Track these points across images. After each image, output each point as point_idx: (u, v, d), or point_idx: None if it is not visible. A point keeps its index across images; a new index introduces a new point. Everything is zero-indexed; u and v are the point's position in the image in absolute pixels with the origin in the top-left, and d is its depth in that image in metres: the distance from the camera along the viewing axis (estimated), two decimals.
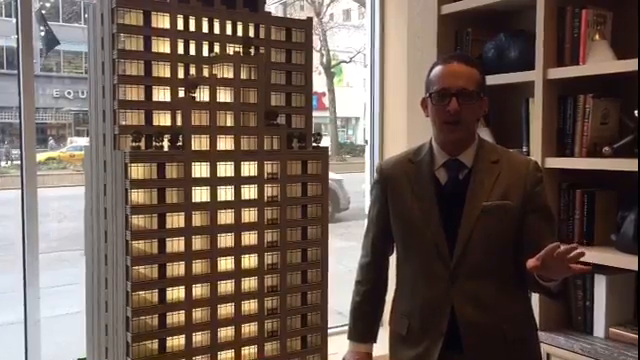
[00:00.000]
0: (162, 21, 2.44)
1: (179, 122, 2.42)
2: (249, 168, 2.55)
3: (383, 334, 1.96)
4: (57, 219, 9.39)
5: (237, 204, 2.53)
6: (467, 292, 1.73)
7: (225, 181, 2.49)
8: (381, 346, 2.00)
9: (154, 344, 2.39)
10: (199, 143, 2.44)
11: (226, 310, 2.53)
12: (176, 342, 2.43)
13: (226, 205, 2.51)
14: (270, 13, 2.71)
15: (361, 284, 1.96)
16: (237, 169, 2.51)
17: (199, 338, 2.48)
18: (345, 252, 6.46)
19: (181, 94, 2.45)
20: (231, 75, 2.50)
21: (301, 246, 2.70)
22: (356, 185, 9.15)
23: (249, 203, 2.55)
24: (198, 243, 2.46)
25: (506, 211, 1.73)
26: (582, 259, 2.36)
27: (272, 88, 2.65)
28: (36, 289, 3.08)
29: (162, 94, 2.45)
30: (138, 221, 2.35)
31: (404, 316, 1.85)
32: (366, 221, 2.02)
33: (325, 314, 2.78)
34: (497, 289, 1.74)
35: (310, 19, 2.83)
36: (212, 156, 2.46)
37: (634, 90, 2.30)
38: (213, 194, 2.47)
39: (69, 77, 18.98)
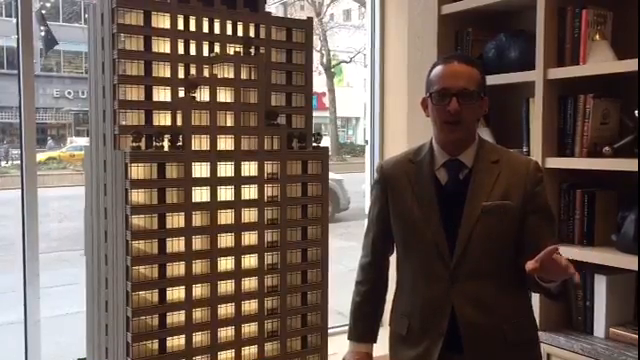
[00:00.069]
0: (162, 21, 2.44)
1: (179, 122, 2.42)
2: (249, 168, 2.55)
3: (383, 334, 1.96)
4: (57, 219, 9.39)
5: (237, 204, 2.53)
6: (467, 292, 1.73)
7: (225, 181, 2.49)
8: (381, 346, 2.00)
9: (154, 344, 2.39)
10: (199, 143, 2.44)
11: (226, 310, 2.53)
12: (176, 342, 2.43)
13: (226, 205, 2.51)
14: (270, 13, 2.71)
15: (361, 284, 1.96)
16: (237, 169, 2.51)
17: (199, 338, 2.48)
18: (345, 252, 6.47)
19: (181, 94, 2.46)
20: (231, 75, 2.50)
21: (301, 246, 2.70)
22: (356, 185, 9.15)
23: (249, 203, 2.55)
24: (198, 243, 2.46)
25: (506, 211, 1.72)
26: (582, 259, 2.38)
27: (272, 88, 2.66)
28: (36, 289, 3.08)
29: (162, 94, 2.45)
30: (138, 221, 2.35)
31: (404, 316, 1.84)
32: (366, 221, 2.02)
33: (325, 314, 2.78)
34: (497, 289, 1.74)
35: (310, 19, 2.83)
36: (212, 156, 2.46)
37: (634, 90, 2.29)
38: (213, 194, 2.47)
39: (69, 77, 18.98)
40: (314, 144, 2.73)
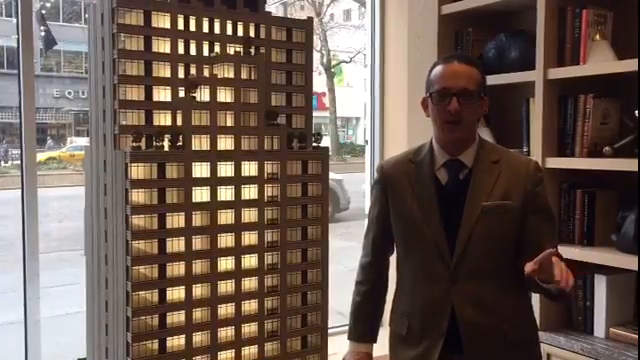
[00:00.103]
0: (162, 21, 2.44)
1: (179, 122, 2.42)
2: (249, 168, 2.55)
3: (383, 334, 1.96)
4: (57, 219, 9.39)
5: (237, 204, 2.53)
6: (467, 292, 1.73)
7: (225, 181, 2.49)
8: (381, 346, 2.00)
9: (154, 344, 2.39)
10: (199, 143, 2.44)
11: (226, 310, 2.53)
12: (176, 342, 2.43)
13: (226, 205, 2.51)
14: (270, 13, 2.71)
15: (361, 284, 1.96)
16: (237, 169, 2.51)
17: (199, 338, 2.48)
18: (345, 252, 6.47)
19: (181, 94, 2.46)
20: (231, 75, 2.50)
21: (301, 246, 2.70)
22: (356, 185, 9.16)
23: (249, 203, 2.55)
24: (198, 243, 2.46)
25: (506, 211, 1.72)
26: (582, 259, 2.38)
27: (272, 88, 2.65)
28: (36, 289, 3.08)
29: (162, 94, 2.45)
30: (138, 221, 2.35)
31: (404, 316, 1.84)
32: (366, 221, 2.02)
33: (325, 314, 2.78)
34: (497, 289, 1.74)
35: (310, 19, 2.83)
36: (212, 156, 2.46)
37: (634, 90, 2.29)
38: (213, 194, 2.47)
39: (69, 77, 19.00)
40: (314, 144, 2.73)
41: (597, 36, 2.45)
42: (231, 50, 2.56)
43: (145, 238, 2.36)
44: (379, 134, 4.14)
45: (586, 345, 2.36)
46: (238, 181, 2.52)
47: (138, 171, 2.32)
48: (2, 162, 14.64)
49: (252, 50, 2.57)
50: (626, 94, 2.47)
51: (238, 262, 2.54)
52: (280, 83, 2.69)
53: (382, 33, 4.10)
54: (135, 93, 2.40)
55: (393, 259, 1.95)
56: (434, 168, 1.79)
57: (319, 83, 17.50)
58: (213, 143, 2.46)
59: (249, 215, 2.56)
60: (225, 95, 2.49)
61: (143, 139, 2.35)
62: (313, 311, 2.75)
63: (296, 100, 2.73)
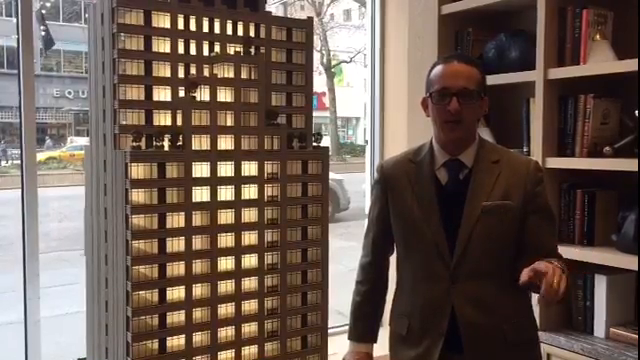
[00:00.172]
0: (162, 21, 2.44)
1: (179, 122, 2.42)
2: (249, 168, 2.55)
3: (383, 334, 1.96)
4: (57, 219, 9.39)
5: (237, 204, 2.53)
6: (467, 292, 1.73)
7: (225, 181, 2.49)
8: (381, 346, 2.00)
9: (154, 344, 2.39)
10: (199, 143, 2.44)
11: (226, 310, 2.53)
12: (176, 342, 2.43)
13: (226, 205, 2.51)
14: (271, 13, 2.71)
15: (361, 284, 1.96)
16: (237, 169, 2.51)
17: (199, 338, 2.48)
18: (345, 252, 6.47)
19: (181, 94, 2.45)
20: (231, 75, 2.50)
21: (301, 246, 2.70)
22: (356, 185, 9.15)
23: (249, 203, 2.55)
24: (198, 243, 2.46)
25: (506, 211, 1.72)
26: (582, 259, 2.38)
27: (272, 88, 2.65)
28: (36, 289, 3.08)
29: (162, 94, 2.45)
30: (138, 221, 2.35)
31: (404, 316, 1.84)
32: (366, 221, 2.02)
33: (325, 314, 2.78)
34: (497, 289, 1.74)
35: (310, 19, 2.83)
36: (212, 156, 2.46)
37: (634, 90, 2.29)
38: (213, 194, 2.47)
39: (69, 77, 18.99)
40: (314, 144, 2.73)
41: (597, 36, 2.45)
42: (231, 50, 2.56)
43: (145, 238, 2.36)
44: (379, 134, 4.14)
45: (586, 345, 2.36)
46: (238, 181, 2.52)
47: (138, 171, 2.32)
48: (2, 162, 14.65)
49: (252, 50, 2.57)
50: (626, 94, 2.47)
51: (238, 262, 2.54)
52: (280, 83, 2.69)
53: (382, 33, 4.10)
54: (135, 93, 2.40)
55: (393, 259, 1.95)
56: (434, 168, 1.79)
57: (319, 83, 17.50)
58: (213, 143, 2.46)
59: (249, 215, 2.56)
60: (225, 95, 2.49)
61: (143, 139, 2.35)
62: (313, 311, 2.75)
63: (296, 100, 2.73)
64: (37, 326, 3.11)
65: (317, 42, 17.01)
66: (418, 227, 1.78)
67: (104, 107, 2.50)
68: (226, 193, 2.51)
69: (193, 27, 2.49)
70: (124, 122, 2.38)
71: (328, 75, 18.51)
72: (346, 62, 19.59)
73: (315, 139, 2.73)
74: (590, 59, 2.44)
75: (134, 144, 2.32)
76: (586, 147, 2.45)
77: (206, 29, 2.52)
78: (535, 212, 1.75)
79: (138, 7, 2.38)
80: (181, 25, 2.46)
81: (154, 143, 2.36)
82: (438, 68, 1.75)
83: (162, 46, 2.44)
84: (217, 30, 2.55)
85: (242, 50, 2.56)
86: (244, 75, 2.52)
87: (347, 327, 1.98)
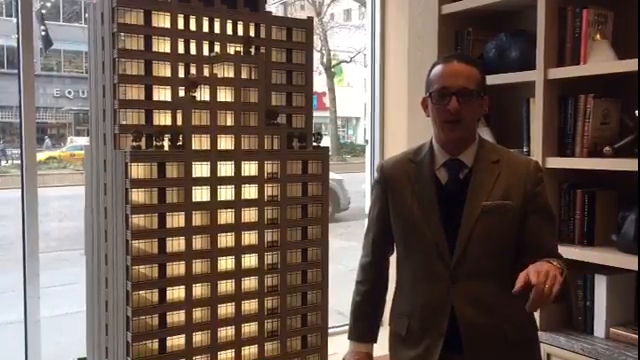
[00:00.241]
0: (163, 20, 2.44)
1: (179, 122, 2.42)
2: (249, 168, 2.54)
3: (383, 334, 1.96)
4: (57, 218, 9.40)
5: (237, 204, 2.52)
6: (467, 292, 1.73)
7: (225, 181, 2.49)
8: (381, 346, 2.00)
9: (154, 344, 2.39)
10: (199, 143, 2.44)
11: (226, 310, 2.53)
12: (176, 342, 2.43)
13: (226, 205, 2.51)
14: (271, 13, 2.71)
15: (361, 284, 1.96)
16: (237, 169, 2.51)
17: (199, 338, 2.48)
18: (345, 252, 6.47)
19: (181, 94, 2.45)
20: (231, 75, 2.50)
21: (301, 246, 2.70)
22: (356, 185, 9.16)
23: (249, 203, 2.55)
24: (198, 243, 2.46)
25: (506, 211, 1.72)
26: (582, 259, 2.37)
27: (272, 88, 2.65)
28: (36, 289, 3.08)
29: (162, 93, 2.45)
30: (138, 221, 2.35)
31: (404, 316, 1.84)
32: (366, 221, 2.02)
33: (325, 314, 2.78)
34: (497, 289, 1.74)
35: (311, 19, 2.83)
36: (212, 156, 2.46)
37: (635, 90, 2.29)
38: (213, 194, 2.47)
39: (69, 76, 19.01)
40: (314, 144, 2.73)
41: (597, 36, 2.45)
42: (231, 50, 2.56)
43: (145, 238, 2.35)
44: (379, 134, 4.14)
45: (586, 345, 2.36)
46: (238, 181, 2.52)
47: (138, 171, 2.32)
48: (2, 162, 14.65)
49: (252, 50, 2.57)
50: (626, 94, 2.47)
51: (238, 262, 2.54)
52: (280, 83, 2.68)
53: (382, 33, 4.10)
54: (135, 93, 2.40)
55: (393, 259, 1.95)
56: (434, 168, 1.79)
57: (319, 83, 17.51)
58: (213, 143, 2.46)
59: (249, 215, 2.56)
60: (225, 95, 2.49)
61: (143, 139, 2.35)
62: (313, 311, 2.75)
63: (296, 100, 2.73)
64: (37, 326, 3.11)
65: (317, 42, 17.01)
66: (418, 227, 1.78)
67: (104, 107, 2.50)
68: (226, 193, 2.50)
69: (193, 27, 2.49)
70: (124, 122, 2.38)
71: (328, 75, 18.51)
72: (346, 62, 19.59)
73: (315, 139, 2.73)
74: (590, 59, 2.44)
75: (134, 144, 2.32)
76: (586, 147, 2.45)
77: (206, 29, 2.52)
78: (535, 212, 1.75)
79: (138, 7, 2.38)
80: (181, 25, 2.46)
81: (154, 143, 2.36)
82: (438, 68, 1.75)
83: (162, 46, 2.44)
84: (217, 30, 2.55)
85: (242, 50, 2.56)
86: (244, 75, 2.52)
87: (347, 327, 1.98)
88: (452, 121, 1.71)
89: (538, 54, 2.52)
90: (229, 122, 2.49)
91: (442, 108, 1.71)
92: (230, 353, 2.55)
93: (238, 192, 2.52)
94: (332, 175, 7.02)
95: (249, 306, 2.59)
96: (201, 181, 2.44)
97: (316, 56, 17.11)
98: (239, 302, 2.55)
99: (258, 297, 2.60)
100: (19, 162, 3.13)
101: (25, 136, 3.03)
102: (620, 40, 2.50)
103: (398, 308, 1.88)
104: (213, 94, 2.46)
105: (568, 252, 2.30)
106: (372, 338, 1.96)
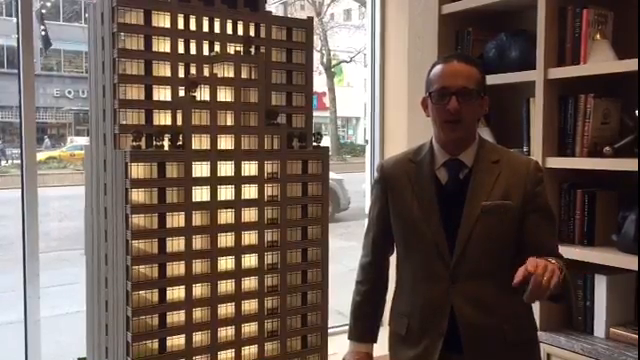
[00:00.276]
0: (163, 20, 2.43)
1: (179, 121, 2.42)
2: (249, 168, 2.54)
3: (383, 334, 1.96)
4: (57, 218, 9.39)
5: (237, 204, 2.52)
6: (467, 292, 1.73)
7: (225, 181, 2.49)
8: (381, 346, 2.00)
9: (154, 344, 2.39)
10: (199, 142, 2.44)
11: (226, 310, 2.53)
12: (176, 342, 2.43)
13: (226, 205, 2.50)
14: (271, 13, 2.71)
15: (361, 284, 1.96)
16: (237, 169, 2.51)
17: (199, 338, 2.48)
18: (345, 252, 6.46)
19: (181, 93, 2.45)
20: (231, 74, 2.49)
21: (301, 246, 2.70)
22: (356, 185, 9.16)
23: (249, 203, 2.55)
24: (198, 243, 2.46)
25: (506, 211, 1.72)
26: (582, 259, 2.37)
27: (272, 88, 2.65)
28: (36, 288, 3.08)
29: (162, 93, 2.45)
30: (138, 220, 2.35)
31: (403, 316, 1.84)
32: (366, 221, 2.02)
33: (325, 314, 2.78)
34: (497, 289, 1.74)
35: (311, 19, 2.83)
36: (212, 155, 2.46)
37: (635, 90, 2.29)
38: (213, 194, 2.47)
39: (69, 76, 19.00)
40: (314, 144, 2.72)
41: (597, 36, 2.45)
42: (231, 49, 2.56)
43: (145, 238, 2.35)
44: (379, 134, 4.14)
45: (586, 345, 2.36)
46: (238, 181, 2.52)
47: (138, 170, 2.32)
48: (2, 161, 14.65)
49: (252, 50, 2.57)
50: (626, 94, 2.47)
51: (238, 262, 2.54)
52: (280, 83, 2.68)
53: (382, 33, 4.10)
54: (135, 92, 2.40)
55: (393, 259, 1.95)
56: (434, 168, 1.79)
57: (319, 83, 17.51)
58: (213, 143, 2.46)
59: (249, 215, 2.56)
60: (225, 95, 2.49)
61: (143, 138, 2.35)
62: (313, 311, 2.75)
63: (296, 100, 2.73)
64: (37, 326, 3.11)
65: (317, 42, 17.01)
66: (418, 227, 1.78)
67: (104, 107, 2.49)
68: (226, 193, 2.50)
69: (193, 27, 2.49)
70: (124, 122, 2.38)
71: (328, 75, 18.51)
72: (346, 62, 19.59)
73: (315, 139, 2.73)
74: (590, 59, 2.44)
75: (134, 144, 2.32)
76: (586, 147, 2.45)
77: (206, 29, 2.52)
78: (535, 212, 1.75)
79: (138, 6, 2.38)
80: (181, 25, 2.46)
81: (154, 143, 2.35)
82: (438, 68, 1.75)
83: (162, 46, 2.43)
84: (217, 30, 2.54)
85: (242, 50, 2.56)
86: (244, 75, 2.52)
87: (347, 327, 1.98)
88: (452, 121, 1.71)
89: (538, 54, 2.52)
90: (229, 122, 2.49)
91: (442, 108, 1.71)
92: (230, 353, 2.55)
93: (238, 192, 2.52)
94: (332, 175, 7.02)
95: (249, 306, 2.59)
96: (201, 181, 2.44)
97: (316, 56, 17.11)
98: (239, 302, 2.55)
99: (258, 297, 2.60)
100: (19, 162, 3.13)
101: (25, 136, 3.03)
102: (620, 40, 2.50)
103: (398, 308, 1.88)
104: (213, 94, 2.46)
105: (568, 252, 2.30)
106: (372, 338, 1.96)
